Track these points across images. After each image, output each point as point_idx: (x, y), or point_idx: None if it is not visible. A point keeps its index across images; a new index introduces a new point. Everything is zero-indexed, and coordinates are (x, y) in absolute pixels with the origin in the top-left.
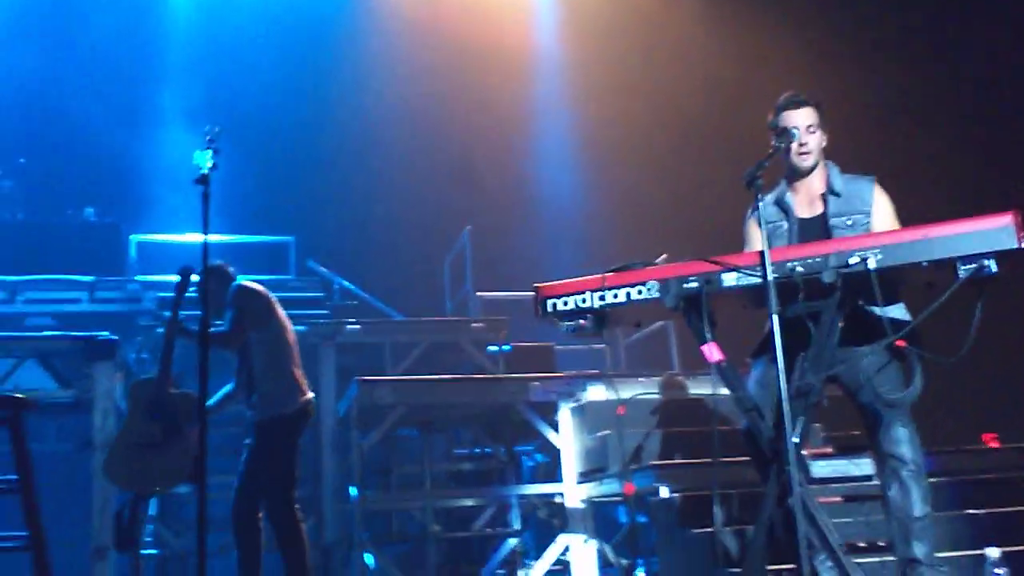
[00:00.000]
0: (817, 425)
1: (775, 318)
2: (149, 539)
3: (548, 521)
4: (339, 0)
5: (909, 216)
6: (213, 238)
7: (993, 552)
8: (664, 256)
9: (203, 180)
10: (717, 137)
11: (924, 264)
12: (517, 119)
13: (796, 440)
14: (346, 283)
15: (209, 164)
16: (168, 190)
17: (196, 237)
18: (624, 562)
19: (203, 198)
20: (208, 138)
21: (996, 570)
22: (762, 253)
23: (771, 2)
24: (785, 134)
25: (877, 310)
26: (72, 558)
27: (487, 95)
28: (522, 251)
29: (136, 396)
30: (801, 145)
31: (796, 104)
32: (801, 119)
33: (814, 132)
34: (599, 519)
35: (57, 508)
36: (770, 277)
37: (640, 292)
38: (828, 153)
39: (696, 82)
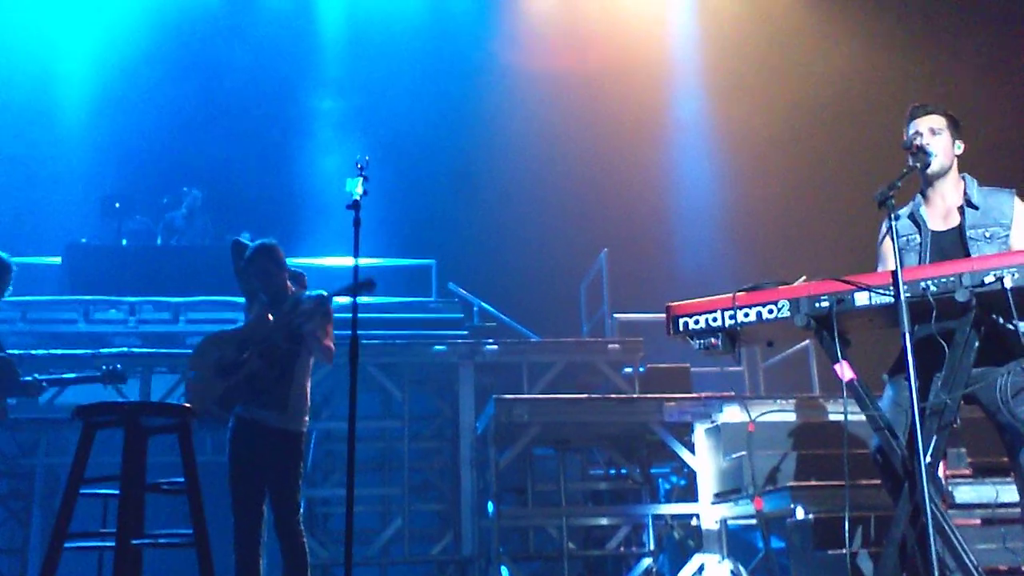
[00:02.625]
0: (962, 449)
1: (907, 338)
2: None
3: (682, 542)
4: (478, 28)
5: None
6: (360, 261)
7: None
8: (803, 278)
9: (354, 206)
10: (855, 153)
11: None
12: (654, 140)
13: (929, 459)
14: (485, 305)
15: (360, 191)
16: (317, 214)
17: (343, 260)
18: None
19: (354, 224)
20: (359, 166)
21: None
22: (894, 272)
23: (914, 17)
24: (919, 153)
25: (1017, 326)
26: (225, 557)
27: (624, 116)
28: (659, 272)
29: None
30: (928, 146)
31: (920, 112)
32: (924, 124)
33: (939, 135)
34: (735, 543)
35: (213, 512)
36: (902, 297)
37: (771, 311)
38: (966, 168)
39: (837, 99)
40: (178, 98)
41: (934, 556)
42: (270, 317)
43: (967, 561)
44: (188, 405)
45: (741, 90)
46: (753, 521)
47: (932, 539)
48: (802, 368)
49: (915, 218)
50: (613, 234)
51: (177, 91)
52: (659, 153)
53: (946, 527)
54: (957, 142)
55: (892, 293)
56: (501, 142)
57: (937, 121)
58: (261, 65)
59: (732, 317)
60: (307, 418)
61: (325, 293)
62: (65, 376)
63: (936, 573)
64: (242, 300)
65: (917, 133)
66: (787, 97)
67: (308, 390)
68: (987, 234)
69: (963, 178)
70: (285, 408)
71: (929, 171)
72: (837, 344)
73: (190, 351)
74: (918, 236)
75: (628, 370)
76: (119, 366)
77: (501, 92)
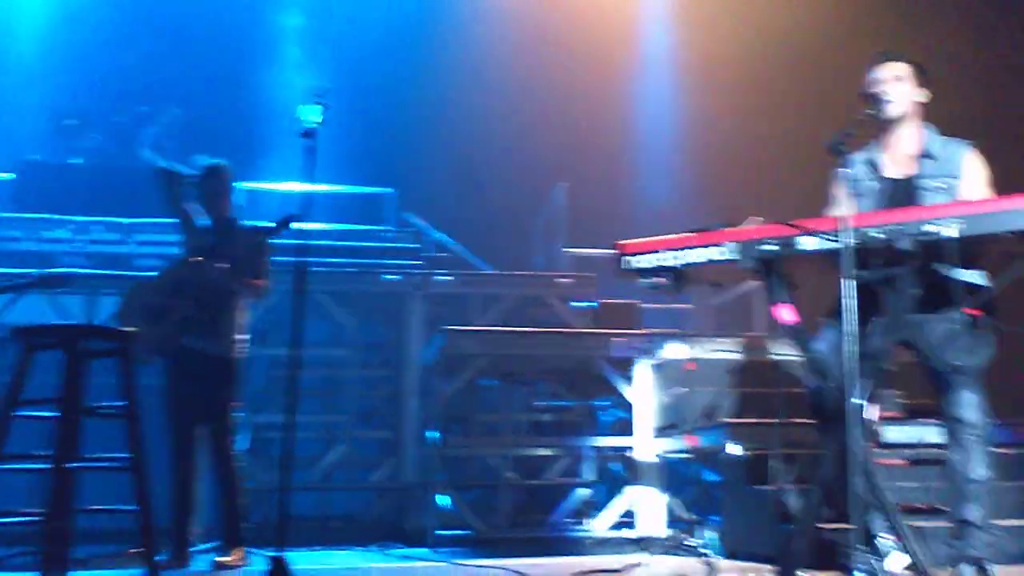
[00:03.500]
0: (894, 391)
1: (850, 283)
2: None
3: (620, 474)
4: None
5: (1009, 188)
6: (317, 188)
7: None
8: (760, 219)
9: (309, 134)
10: (822, 96)
11: (1006, 235)
12: (620, 74)
13: (861, 402)
14: (441, 235)
15: (316, 120)
16: (278, 137)
17: (299, 186)
18: (693, 517)
19: (308, 152)
20: (316, 94)
21: None
22: (841, 218)
23: None
24: (875, 100)
25: (956, 274)
26: (160, 482)
27: (591, 48)
28: (619, 209)
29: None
30: (883, 93)
31: (884, 59)
32: (887, 71)
33: (901, 82)
34: (673, 476)
35: (156, 436)
36: (847, 242)
37: (719, 253)
38: (930, 116)
39: (808, 40)
40: (134, 14)
41: (856, 494)
42: (201, 259)
43: (884, 500)
44: (130, 330)
45: (711, 27)
46: (689, 455)
47: (856, 478)
48: (748, 308)
49: (872, 164)
50: (574, 168)
51: (133, 7)
52: (625, 88)
53: (869, 467)
54: (920, 90)
55: (838, 239)
56: (465, 73)
57: (900, 69)
58: None
59: (680, 257)
60: (244, 344)
61: (265, 231)
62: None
63: (859, 511)
64: None
65: (879, 80)
66: (758, 36)
67: (244, 317)
68: (942, 185)
69: (924, 127)
70: (221, 336)
71: (886, 115)
72: (781, 287)
73: (138, 274)
74: (874, 182)
75: (580, 304)
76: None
77: (465, 21)
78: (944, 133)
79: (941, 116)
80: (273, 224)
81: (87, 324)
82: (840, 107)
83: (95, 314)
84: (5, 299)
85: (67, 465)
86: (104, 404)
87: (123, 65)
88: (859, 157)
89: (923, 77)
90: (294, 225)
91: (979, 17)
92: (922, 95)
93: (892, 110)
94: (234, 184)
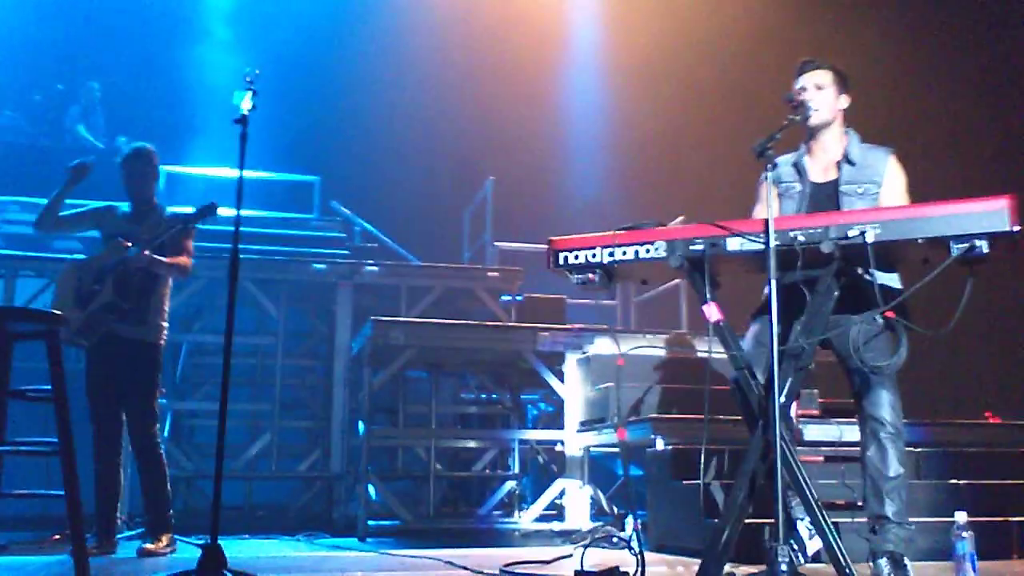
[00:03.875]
0: (814, 391)
1: (773, 283)
2: None
3: (547, 467)
4: None
5: (927, 193)
6: (242, 173)
7: (961, 516)
8: (681, 218)
9: (242, 121)
10: (748, 96)
11: (919, 241)
12: (545, 72)
13: (783, 399)
14: (367, 225)
15: (248, 106)
16: (204, 122)
17: (225, 172)
18: (617, 511)
19: (241, 138)
20: (248, 79)
21: (962, 533)
22: (766, 221)
23: None
24: (800, 107)
25: (874, 277)
26: (86, 467)
27: (516, 44)
28: (542, 205)
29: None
30: (808, 101)
31: (807, 67)
32: (810, 79)
33: (822, 90)
34: (598, 471)
35: (83, 420)
36: (771, 244)
37: (648, 251)
38: (852, 123)
39: (732, 42)
40: None
41: (780, 489)
42: (126, 243)
43: (808, 496)
44: (58, 312)
45: (640, 26)
46: (615, 450)
47: (779, 474)
48: (672, 305)
49: (798, 167)
50: (501, 162)
51: None
52: (554, 84)
53: (792, 463)
54: (842, 97)
55: (763, 240)
56: (394, 63)
57: (823, 77)
58: None
59: (611, 255)
60: (165, 330)
61: (188, 217)
62: None
63: (780, 505)
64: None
65: (802, 88)
66: (687, 36)
67: (167, 303)
68: (860, 190)
69: (847, 133)
70: (143, 321)
71: (810, 124)
72: (707, 286)
73: (57, 255)
74: (799, 185)
75: (506, 298)
76: None
77: (396, 10)
78: (866, 139)
79: (865, 120)
80: (194, 210)
81: (12, 307)
82: (768, 108)
83: (13, 296)
84: None
85: None
86: (32, 388)
87: (41, 41)
88: (786, 159)
89: (845, 84)
90: (219, 212)
91: (905, 22)
92: (844, 102)
93: (815, 118)
94: (158, 168)
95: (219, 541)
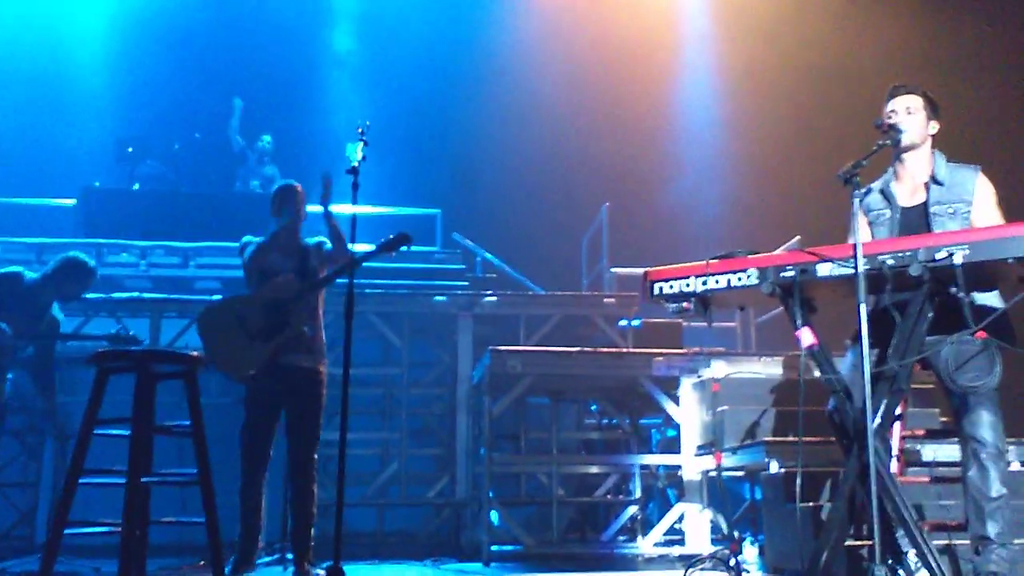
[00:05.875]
0: (934, 410)
1: (863, 307)
2: None
3: (668, 491)
4: None
5: (1015, 211)
6: (364, 209)
7: None
8: (797, 238)
9: (353, 171)
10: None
11: (1009, 260)
12: (659, 103)
13: (878, 421)
14: (488, 255)
15: (359, 156)
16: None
17: (347, 208)
18: (736, 534)
19: (352, 187)
20: (360, 131)
21: None
22: (854, 246)
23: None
24: (890, 130)
25: (968, 298)
26: (228, 495)
27: (628, 73)
28: (659, 230)
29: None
30: (898, 124)
31: (899, 90)
32: (901, 103)
33: (912, 114)
34: (717, 494)
35: (218, 453)
36: (860, 269)
37: (740, 279)
38: (940, 145)
39: (838, 71)
40: (192, 46)
41: (875, 512)
42: (289, 277)
43: (907, 517)
44: (196, 354)
45: (752, 58)
46: (737, 473)
47: (874, 496)
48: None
49: (886, 193)
50: (617, 188)
51: (192, 40)
52: (667, 113)
53: (890, 485)
54: (932, 122)
55: (852, 265)
56: (510, 95)
57: (914, 101)
58: (275, 15)
59: (704, 283)
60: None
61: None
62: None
63: (878, 526)
64: None
65: (893, 111)
66: (796, 66)
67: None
68: (950, 210)
69: (933, 154)
70: (312, 349)
71: (900, 146)
72: (800, 311)
73: (199, 296)
74: (888, 212)
75: (624, 324)
76: (132, 333)
77: (510, 42)
78: (951, 159)
79: (953, 140)
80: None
81: (157, 349)
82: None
83: (159, 336)
84: (76, 322)
85: (142, 479)
86: (174, 424)
87: (181, 94)
88: (875, 186)
89: (935, 111)
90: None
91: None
92: (933, 128)
93: (905, 139)
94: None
95: (347, 565)
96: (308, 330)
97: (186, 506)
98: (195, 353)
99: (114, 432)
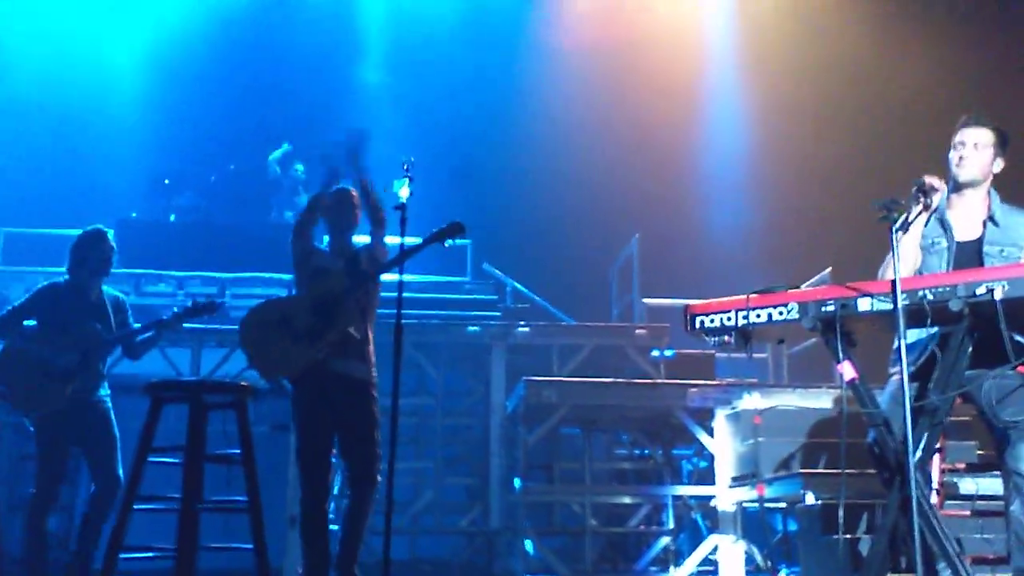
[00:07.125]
0: (972, 442)
1: (902, 343)
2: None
3: (701, 522)
4: (515, 10)
5: None
6: (395, 240)
7: None
8: (828, 270)
9: (401, 208)
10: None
11: None
12: (688, 133)
13: (919, 454)
14: (519, 286)
15: (406, 193)
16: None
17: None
18: (771, 564)
19: (400, 223)
20: (404, 167)
21: None
22: (894, 282)
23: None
24: (930, 193)
25: (1009, 333)
26: (271, 523)
27: (657, 102)
28: (689, 259)
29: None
30: (961, 158)
31: (971, 121)
32: (970, 136)
33: (979, 150)
34: (756, 524)
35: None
36: (899, 305)
37: (781, 313)
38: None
39: (874, 102)
40: (226, 80)
41: (917, 545)
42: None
43: (949, 549)
44: (245, 384)
45: (780, 89)
46: (773, 505)
47: (916, 529)
48: (826, 357)
49: (944, 223)
50: (646, 219)
51: (226, 74)
52: (695, 144)
53: (932, 518)
54: (998, 160)
55: (891, 300)
56: (539, 124)
57: (984, 136)
58: (308, 48)
59: (745, 317)
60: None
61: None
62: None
63: (920, 560)
64: (286, 277)
65: (960, 143)
66: (828, 97)
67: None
68: (1004, 252)
69: (992, 193)
70: (364, 355)
71: (959, 180)
72: (841, 345)
73: (236, 327)
74: (944, 241)
75: (656, 354)
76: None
77: (538, 72)
78: (1005, 200)
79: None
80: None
81: (208, 380)
82: (919, 162)
83: (200, 365)
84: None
85: (195, 506)
86: (225, 452)
87: (215, 126)
88: (933, 215)
89: (1004, 147)
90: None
91: None
92: (998, 165)
93: (965, 175)
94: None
95: None
96: (356, 332)
97: (228, 531)
98: (244, 383)
99: (167, 460)
